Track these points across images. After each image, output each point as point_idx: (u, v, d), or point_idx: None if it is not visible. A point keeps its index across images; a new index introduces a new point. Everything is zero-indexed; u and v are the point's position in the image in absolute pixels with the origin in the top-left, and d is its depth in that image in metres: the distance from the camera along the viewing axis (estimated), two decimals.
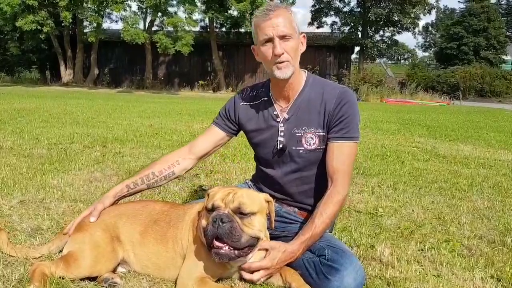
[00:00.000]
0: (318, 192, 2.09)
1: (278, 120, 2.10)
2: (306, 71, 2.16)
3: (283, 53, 1.93)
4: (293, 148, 2.08)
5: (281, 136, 2.09)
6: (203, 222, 1.76)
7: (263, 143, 2.17)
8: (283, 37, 1.92)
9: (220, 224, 1.67)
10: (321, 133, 2.05)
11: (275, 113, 2.12)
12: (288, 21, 1.94)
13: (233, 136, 2.31)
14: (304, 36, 2.05)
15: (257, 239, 1.77)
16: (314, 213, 1.92)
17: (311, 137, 2.06)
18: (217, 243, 1.69)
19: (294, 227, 2.08)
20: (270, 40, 1.93)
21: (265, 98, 2.16)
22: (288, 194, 2.17)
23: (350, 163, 2.02)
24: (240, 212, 1.71)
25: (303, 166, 2.10)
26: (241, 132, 2.30)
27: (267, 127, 2.13)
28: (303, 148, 2.07)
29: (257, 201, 1.79)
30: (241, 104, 2.22)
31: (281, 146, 2.09)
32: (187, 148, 2.25)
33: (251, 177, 2.43)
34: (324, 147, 2.06)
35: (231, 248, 1.69)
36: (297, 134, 2.07)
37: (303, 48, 2.05)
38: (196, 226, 1.87)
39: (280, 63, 1.95)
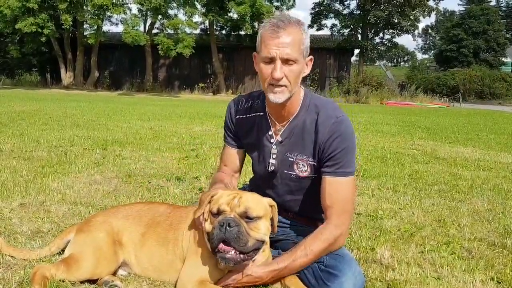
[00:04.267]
0: (316, 209, 2.02)
1: (271, 141, 2.02)
2: (304, 88, 2.01)
3: (282, 78, 1.80)
4: (285, 171, 2.00)
5: (273, 158, 2.01)
6: (208, 226, 1.75)
7: (256, 158, 2.11)
8: (286, 61, 1.78)
9: (228, 228, 1.66)
10: (312, 163, 1.94)
11: (269, 133, 2.02)
12: (297, 44, 1.78)
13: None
14: (311, 59, 1.90)
15: (262, 242, 1.77)
16: (299, 244, 1.84)
17: (303, 165, 1.96)
18: (224, 247, 1.68)
19: (294, 230, 2.11)
20: (272, 60, 1.79)
21: (261, 113, 2.05)
22: (284, 209, 2.11)
23: (346, 200, 1.87)
24: (246, 216, 1.71)
25: (295, 190, 2.04)
26: None
27: (260, 146, 2.05)
28: (294, 173, 1.99)
29: (262, 205, 1.78)
30: (237, 117, 2.12)
31: (272, 168, 2.02)
32: (227, 170, 2.17)
33: (249, 181, 2.40)
34: (316, 175, 1.95)
35: (237, 252, 1.69)
36: (289, 159, 1.98)
37: (307, 71, 1.90)
38: (196, 229, 1.86)
39: (276, 86, 1.82)
